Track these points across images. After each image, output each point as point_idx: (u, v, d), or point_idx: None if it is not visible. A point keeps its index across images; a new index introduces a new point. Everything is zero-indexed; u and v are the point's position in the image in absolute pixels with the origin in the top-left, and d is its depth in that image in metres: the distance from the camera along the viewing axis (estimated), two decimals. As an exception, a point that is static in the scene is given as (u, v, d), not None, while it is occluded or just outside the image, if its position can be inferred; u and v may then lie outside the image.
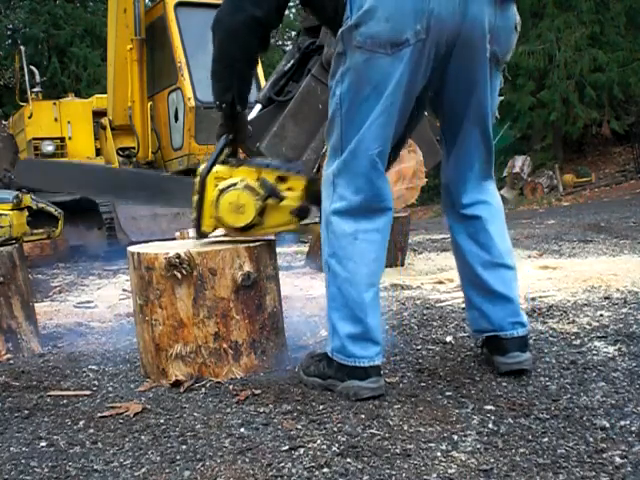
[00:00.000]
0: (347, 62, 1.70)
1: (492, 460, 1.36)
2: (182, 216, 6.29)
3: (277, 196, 1.96)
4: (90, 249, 6.30)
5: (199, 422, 1.65)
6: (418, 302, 2.95)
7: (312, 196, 1.96)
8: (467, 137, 1.85)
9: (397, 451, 1.42)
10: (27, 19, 17.72)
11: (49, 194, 6.33)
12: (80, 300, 3.68)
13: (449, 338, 2.29)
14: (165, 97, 7.47)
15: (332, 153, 1.79)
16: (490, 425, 1.54)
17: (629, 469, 1.30)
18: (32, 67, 8.60)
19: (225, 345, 1.95)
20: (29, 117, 7.97)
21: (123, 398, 1.87)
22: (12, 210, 4.58)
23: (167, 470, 1.39)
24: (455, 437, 1.48)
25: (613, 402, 1.64)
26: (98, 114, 8.14)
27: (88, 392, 1.94)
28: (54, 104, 8.17)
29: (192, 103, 7.00)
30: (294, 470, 1.36)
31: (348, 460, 1.39)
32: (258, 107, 3.62)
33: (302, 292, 3.36)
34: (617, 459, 1.34)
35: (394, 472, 1.33)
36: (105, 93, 8.25)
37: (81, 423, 1.69)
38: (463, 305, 2.65)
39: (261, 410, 1.69)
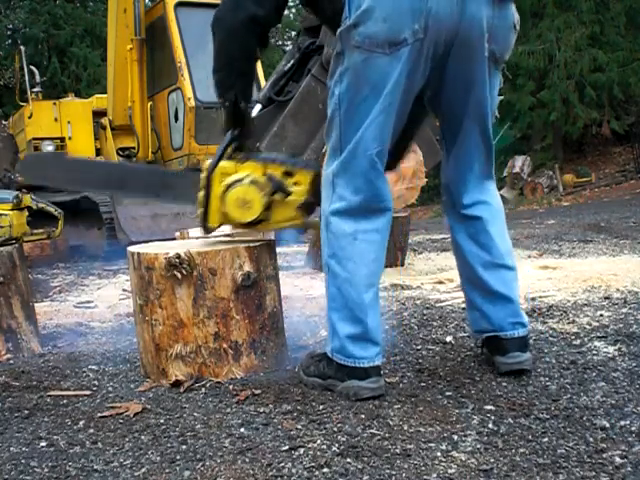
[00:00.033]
0: (345, 62, 1.71)
1: (492, 460, 1.37)
2: (182, 216, 6.28)
3: (284, 191, 1.95)
4: (90, 249, 6.30)
5: (199, 422, 1.65)
6: (418, 302, 2.94)
7: (319, 191, 1.95)
8: (467, 137, 1.85)
9: (397, 451, 1.42)
10: (27, 19, 17.72)
11: (49, 194, 6.34)
12: (80, 300, 3.68)
13: (449, 338, 2.29)
14: (165, 97, 7.48)
15: (331, 153, 1.79)
16: (490, 425, 1.54)
17: (629, 469, 1.30)
18: (32, 67, 8.60)
19: (225, 345, 1.95)
20: (29, 117, 7.97)
21: (123, 398, 1.87)
22: (12, 210, 4.58)
23: (167, 470, 1.39)
24: (455, 437, 1.48)
25: (613, 402, 1.64)
26: (98, 114, 8.14)
27: (88, 392, 1.94)
28: (54, 104, 8.17)
29: (192, 103, 7.00)
30: (294, 470, 1.36)
31: (348, 460, 1.39)
32: (258, 107, 3.62)
33: (302, 292, 3.36)
34: (617, 459, 1.34)
35: (394, 472, 1.33)
36: (105, 93, 8.25)
37: (81, 423, 1.69)
38: (463, 305, 2.66)
39: (261, 410, 1.69)
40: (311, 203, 1.98)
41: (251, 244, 2.01)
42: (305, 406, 1.70)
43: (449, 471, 1.33)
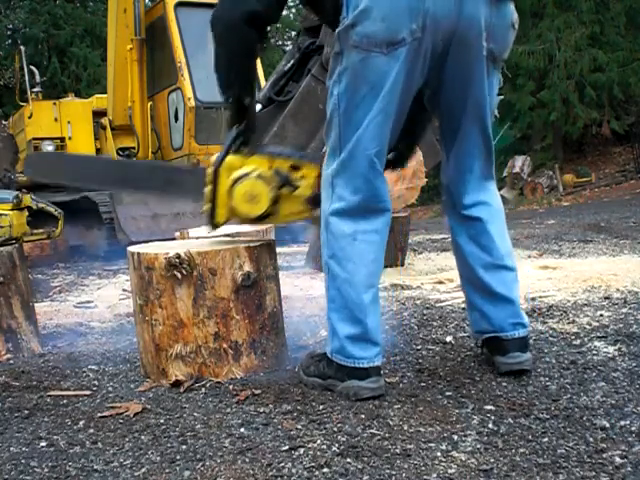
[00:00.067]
0: (344, 62, 1.71)
1: (492, 460, 1.36)
2: (182, 216, 6.28)
3: (291, 185, 1.94)
4: (90, 249, 6.30)
5: (199, 422, 1.65)
6: (418, 302, 2.95)
7: None
8: (466, 136, 1.85)
9: (397, 451, 1.42)
10: (27, 19, 17.71)
11: (49, 194, 6.34)
12: (80, 300, 3.68)
13: (449, 338, 2.29)
14: (165, 97, 7.48)
15: (331, 153, 1.79)
16: (490, 425, 1.54)
17: (629, 469, 1.30)
18: (32, 67, 8.60)
19: (225, 345, 1.95)
20: (29, 117, 7.97)
21: (123, 398, 1.87)
22: (12, 210, 4.58)
23: (167, 470, 1.39)
24: (455, 437, 1.48)
25: (613, 402, 1.64)
26: (98, 114, 8.14)
27: (88, 392, 1.94)
28: (54, 104, 8.17)
29: (192, 103, 7.00)
30: (294, 470, 1.36)
31: (348, 460, 1.39)
32: (258, 107, 3.62)
33: (302, 292, 3.36)
34: (617, 459, 1.34)
35: (394, 472, 1.33)
36: (105, 93, 8.25)
37: (81, 423, 1.69)
38: (463, 305, 2.66)
39: (261, 410, 1.69)
40: (318, 196, 1.97)
41: (251, 244, 2.01)
42: (305, 406, 1.70)
43: (449, 471, 1.33)
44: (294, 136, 3.56)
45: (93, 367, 2.20)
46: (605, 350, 2.06)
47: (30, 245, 5.49)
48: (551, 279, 3.28)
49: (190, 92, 7.01)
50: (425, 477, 1.31)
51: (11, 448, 1.55)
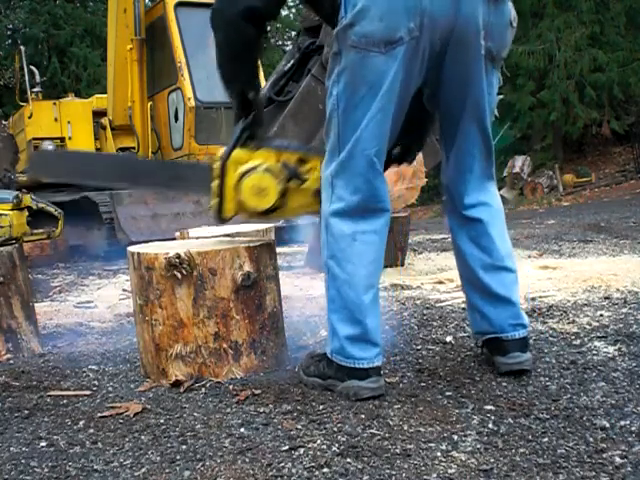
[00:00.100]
0: (343, 62, 1.71)
1: (492, 460, 1.37)
2: (182, 216, 6.28)
3: (299, 178, 1.94)
4: (90, 249, 6.30)
5: (199, 422, 1.65)
6: (418, 302, 2.95)
7: None
8: (465, 136, 1.85)
9: (397, 451, 1.42)
10: (27, 19, 17.71)
11: (49, 194, 6.34)
12: (80, 300, 3.68)
13: (449, 338, 2.29)
14: (165, 97, 7.48)
15: (330, 154, 1.79)
16: (490, 425, 1.54)
17: (629, 469, 1.30)
18: (32, 67, 8.60)
19: (225, 345, 1.95)
20: (29, 117, 7.97)
21: (123, 398, 1.87)
22: (12, 210, 4.58)
23: (167, 470, 1.39)
24: (455, 437, 1.48)
25: (613, 402, 1.64)
26: (98, 114, 8.14)
27: (88, 392, 1.94)
28: (54, 104, 8.17)
29: (192, 103, 7.00)
30: (294, 470, 1.36)
31: (348, 460, 1.39)
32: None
33: (302, 292, 3.36)
34: (617, 459, 1.34)
35: (394, 472, 1.33)
36: (105, 93, 8.25)
37: (81, 423, 1.69)
38: (463, 305, 2.66)
39: (261, 410, 1.69)
40: None
41: (251, 244, 2.01)
42: (305, 406, 1.70)
43: (449, 471, 1.33)
44: (294, 136, 3.55)
45: (93, 367, 2.20)
46: (605, 350, 2.06)
47: (30, 245, 5.49)
48: (551, 279, 3.28)
49: (190, 92, 7.01)
50: (425, 477, 1.31)
51: (11, 448, 1.55)
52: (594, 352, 2.05)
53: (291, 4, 19.55)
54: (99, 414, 1.74)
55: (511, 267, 1.89)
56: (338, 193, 1.76)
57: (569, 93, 14.32)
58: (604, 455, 1.37)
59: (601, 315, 2.48)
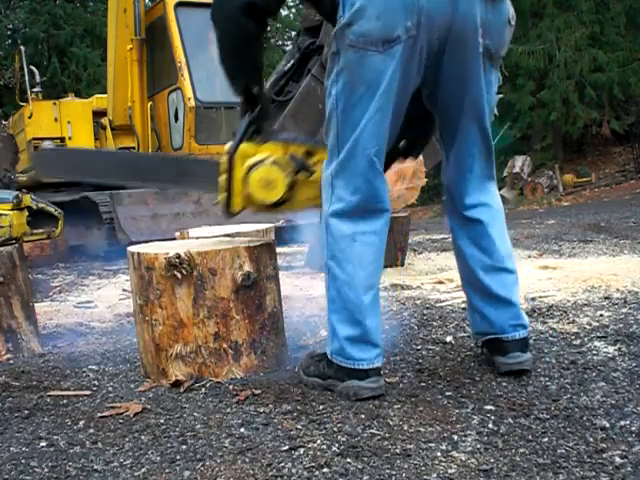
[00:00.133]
0: (341, 61, 1.71)
1: (492, 460, 1.37)
2: (182, 216, 6.28)
3: (307, 170, 1.93)
4: (90, 249, 6.29)
5: (199, 422, 1.65)
6: (418, 302, 2.95)
7: None
8: (465, 136, 1.84)
9: (397, 451, 1.42)
10: (27, 19, 17.71)
11: (49, 194, 6.33)
12: (80, 300, 3.68)
13: (449, 338, 2.29)
14: (165, 97, 7.47)
15: (330, 154, 1.79)
16: (490, 425, 1.54)
17: (629, 469, 1.30)
18: (32, 67, 8.59)
19: (225, 345, 1.95)
20: (29, 117, 7.97)
21: (123, 398, 1.87)
22: (12, 210, 4.57)
23: (167, 470, 1.39)
24: (455, 437, 1.48)
25: (613, 402, 1.64)
26: (98, 114, 8.14)
27: (88, 392, 1.94)
28: (54, 104, 8.16)
29: (192, 103, 7.00)
30: (294, 470, 1.36)
31: (348, 460, 1.39)
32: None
33: (302, 292, 3.36)
34: (617, 459, 1.34)
35: (394, 472, 1.33)
36: (105, 93, 8.25)
37: (81, 423, 1.69)
38: (463, 305, 2.66)
39: (261, 410, 1.69)
40: None
41: (251, 244, 2.01)
42: (305, 406, 1.70)
43: (449, 471, 1.33)
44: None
45: (93, 367, 2.20)
46: (605, 350, 2.06)
47: (30, 245, 5.48)
48: (551, 279, 3.28)
49: (190, 92, 7.01)
50: (425, 477, 1.31)
51: (11, 448, 1.55)
52: (594, 352, 2.05)
53: (291, 4, 19.55)
54: (99, 414, 1.74)
55: (511, 268, 1.89)
56: (338, 193, 1.76)
57: (569, 93, 14.32)
58: (604, 455, 1.37)
59: (601, 315, 2.48)
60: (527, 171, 14.32)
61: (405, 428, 1.54)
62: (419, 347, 2.21)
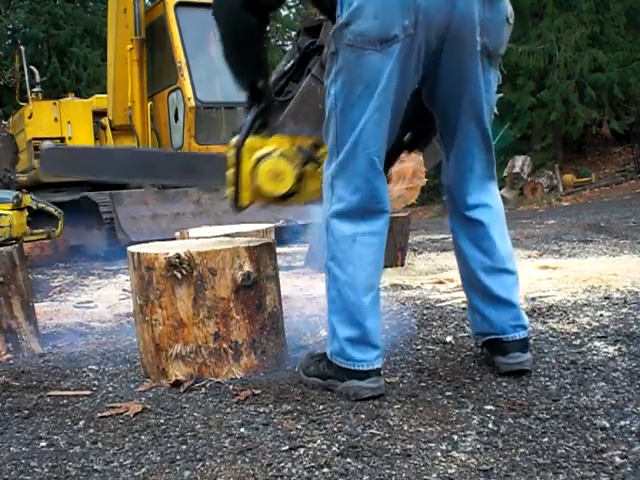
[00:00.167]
0: (339, 61, 1.71)
1: (492, 460, 1.36)
2: (182, 216, 6.28)
3: (315, 161, 1.93)
4: (90, 249, 6.30)
5: (199, 422, 1.65)
6: (418, 302, 2.95)
7: None
8: (464, 135, 1.84)
9: (397, 451, 1.42)
10: (27, 19, 17.70)
11: (49, 194, 6.33)
12: (80, 300, 3.68)
13: (449, 338, 2.29)
14: (165, 97, 7.47)
15: (330, 154, 1.79)
16: (490, 425, 1.54)
17: (629, 469, 1.30)
18: (32, 67, 8.58)
19: (225, 345, 1.95)
20: (29, 117, 7.96)
21: (123, 398, 1.87)
22: (12, 210, 4.57)
23: (167, 470, 1.39)
24: (455, 437, 1.48)
25: (613, 402, 1.64)
26: (98, 114, 8.13)
27: (88, 392, 1.94)
28: (54, 104, 8.16)
29: (192, 103, 7.00)
30: (294, 470, 1.36)
31: (348, 460, 1.39)
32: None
33: (302, 292, 3.36)
34: (617, 459, 1.34)
35: (394, 472, 1.33)
36: (105, 93, 8.25)
37: (81, 423, 1.69)
38: (463, 305, 2.66)
39: (261, 410, 1.69)
40: None
41: (251, 244, 2.01)
42: (305, 406, 1.70)
43: (449, 471, 1.33)
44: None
45: (93, 367, 2.20)
46: (605, 350, 2.06)
47: (30, 245, 5.48)
48: (551, 279, 3.28)
49: (190, 92, 7.01)
50: (425, 477, 1.31)
51: (11, 448, 1.55)
52: (594, 352, 2.05)
53: (291, 4, 19.54)
54: (99, 414, 1.74)
55: (511, 269, 1.89)
56: (338, 194, 1.75)
57: (569, 93, 14.31)
58: (604, 455, 1.37)
59: (601, 315, 2.48)
60: (527, 171, 14.31)
61: (405, 428, 1.54)
62: (419, 347, 2.21)
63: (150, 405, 1.79)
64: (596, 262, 3.81)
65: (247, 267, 1.96)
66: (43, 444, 1.57)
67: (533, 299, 2.81)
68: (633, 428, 1.48)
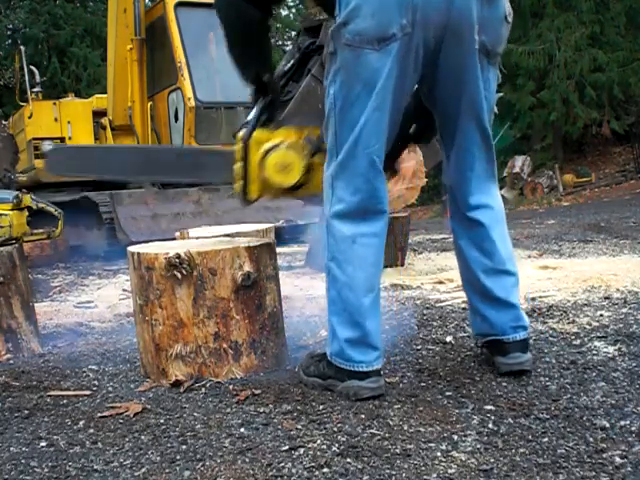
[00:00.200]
0: (338, 61, 1.71)
1: (492, 460, 1.36)
2: (182, 216, 6.28)
3: (323, 152, 1.93)
4: (90, 249, 6.30)
5: (199, 422, 1.65)
6: (418, 302, 2.95)
7: None
8: (464, 135, 1.83)
9: (397, 451, 1.42)
10: (27, 19, 17.70)
11: (49, 194, 6.33)
12: (80, 300, 3.68)
13: (449, 338, 2.29)
14: (165, 97, 7.47)
15: (329, 154, 1.79)
16: (490, 425, 1.54)
17: (629, 469, 1.30)
18: (32, 67, 8.58)
19: (225, 345, 1.95)
20: (29, 117, 7.96)
21: (123, 398, 1.87)
22: (12, 210, 4.58)
23: (167, 470, 1.39)
24: (455, 437, 1.48)
25: (613, 402, 1.64)
26: (98, 114, 8.13)
27: (88, 392, 1.94)
28: (54, 104, 8.16)
29: (192, 103, 7.00)
30: (294, 470, 1.36)
31: (348, 460, 1.39)
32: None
33: (302, 292, 3.36)
34: (617, 459, 1.34)
35: (394, 472, 1.33)
36: (105, 93, 8.25)
37: (81, 423, 1.69)
38: (463, 305, 2.66)
39: (261, 410, 1.69)
40: None
41: (251, 244, 2.01)
42: (305, 406, 1.70)
43: (449, 471, 1.33)
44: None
45: (93, 367, 2.20)
46: (605, 350, 2.06)
47: (30, 245, 5.48)
48: (551, 279, 3.28)
49: (190, 92, 7.01)
50: (425, 477, 1.31)
51: (11, 448, 1.55)
52: (594, 352, 2.05)
53: (291, 4, 19.54)
54: (99, 414, 1.74)
55: (512, 270, 1.89)
56: (338, 194, 1.75)
57: (569, 93, 14.31)
58: (604, 455, 1.37)
59: (601, 315, 2.48)
60: (527, 171, 14.32)
61: (405, 428, 1.54)
62: (419, 347, 2.21)
63: (150, 405, 1.79)
64: (596, 262, 3.81)
65: (247, 267, 1.96)
66: (43, 444, 1.57)
67: (533, 299, 2.81)
68: (633, 428, 1.48)
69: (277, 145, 1.91)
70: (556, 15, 14.66)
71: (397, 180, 3.92)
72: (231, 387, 1.88)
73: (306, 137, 1.93)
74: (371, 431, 1.53)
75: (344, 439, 1.49)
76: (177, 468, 1.40)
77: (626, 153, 15.74)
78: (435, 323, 2.52)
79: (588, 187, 14.02)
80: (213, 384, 1.91)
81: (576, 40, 14.22)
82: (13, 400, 1.90)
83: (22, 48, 8.96)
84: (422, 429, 1.53)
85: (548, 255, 4.35)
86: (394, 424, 1.56)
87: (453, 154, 1.88)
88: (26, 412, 1.79)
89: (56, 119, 8.00)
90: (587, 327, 2.33)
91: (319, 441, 1.48)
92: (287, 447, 1.46)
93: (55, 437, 1.60)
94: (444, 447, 1.43)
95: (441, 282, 3.42)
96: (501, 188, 12.91)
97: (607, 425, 1.50)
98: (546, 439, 1.46)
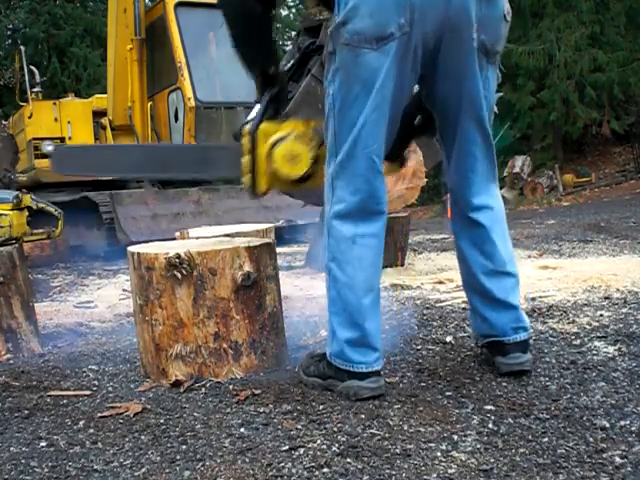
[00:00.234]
0: (337, 61, 1.71)
1: (492, 460, 1.36)
2: (182, 216, 6.29)
3: None
4: (90, 249, 6.30)
5: (199, 422, 1.65)
6: (418, 302, 2.95)
7: None
8: (465, 135, 1.83)
9: (397, 451, 1.42)
10: (27, 19, 17.70)
11: (49, 194, 6.33)
12: (80, 300, 3.68)
13: (449, 338, 2.29)
14: (165, 97, 7.47)
15: (329, 154, 1.79)
16: (490, 425, 1.54)
17: (629, 469, 1.30)
18: (32, 67, 8.59)
19: (225, 345, 1.95)
20: (29, 117, 7.96)
21: (123, 398, 1.87)
22: (12, 210, 4.58)
23: (167, 470, 1.39)
24: (455, 437, 1.48)
25: (613, 402, 1.64)
26: (98, 114, 8.14)
27: (88, 392, 1.94)
28: (54, 104, 8.16)
29: (192, 103, 7.00)
30: (294, 470, 1.36)
31: (348, 460, 1.39)
32: (258, 107, 3.61)
33: (302, 292, 3.36)
34: (617, 459, 1.34)
35: (394, 472, 1.33)
36: (105, 93, 8.25)
37: (81, 423, 1.69)
38: (463, 305, 2.66)
39: (261, 410, 1.69)
40: None
41: (251, 244, 2.01)
42: (305, 406, 1.70)
43: (449, 471, 1.33)
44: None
45: (93, 367, 2.20)
46: (605, 350, 2.06)
47: (30, 245, 5.49)
48: (551, 279, 3.28)
49: (190, 92, 7.01)
50: (425, 477, 1.31)
51: (11, 448, 1.55)
52: (594, 352, 2.04)
53: (291, 4, 19.55)
54: (99, 414, 1.74)
55: (512, 272, 1.89)
56: (338, 194, 1.75)
57: (569, 93, 14.31)
58: (604, 455, 1.37)
59: (601, 315, 2.48)
60: (527, 171, 14.32)
61: (405, 428, 1.54)
62: (419, 347, 2.21)
63: (150, 405, 1.79)
64: (596, 262, 3.81)
65: (247, 267, 1.96)
66: (43, 444, 1.57)
67: (533, 299, 2.81)
68: (633, 428, 1.48)
69: (285, 137, 1.91)
70: (556, 15, 14.66)
71: (397, 180, 3.92)
72: (231, 387, 1.88)
73: (314, 128, 1.92)
74: (371, 431, 1.53)
75: (344, 439, 1.49)
76: (177, 468, 1.40)
77: (626, 153, 15.74)
78: (435, 323, 2.52)
79: (588, 187, 14.02)
80: (213, 384, 1.91)
81: (576, 40, 14.21)
82: (13, 400, 1.90)
83: (22, 48, 8.96)
84: (422, 429, 1.53)
85: (548, 255, 4.35)
86: (394, 424, 1.56)
87: (453, 155, 1.88)
88: (26, 412, 1.79)
89: (56, 119, 8.00)
90: (587, 327, 2.33)
91: (319, 441, 1.48)
92: (287, 447, 1.46)
93: (55, 437, 1.60)
94: (444, 447, 1.43)
95: (441, 282, 3.43)
96: (501, 188, 12.90)
97: (607, 425, 1.50)
98: (546, 439, 1.46)
